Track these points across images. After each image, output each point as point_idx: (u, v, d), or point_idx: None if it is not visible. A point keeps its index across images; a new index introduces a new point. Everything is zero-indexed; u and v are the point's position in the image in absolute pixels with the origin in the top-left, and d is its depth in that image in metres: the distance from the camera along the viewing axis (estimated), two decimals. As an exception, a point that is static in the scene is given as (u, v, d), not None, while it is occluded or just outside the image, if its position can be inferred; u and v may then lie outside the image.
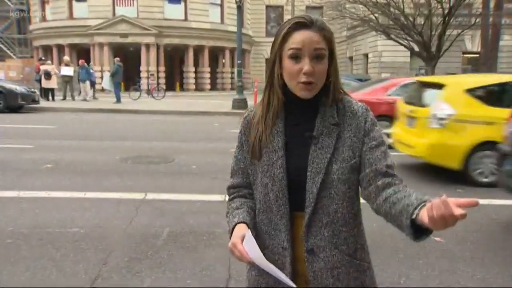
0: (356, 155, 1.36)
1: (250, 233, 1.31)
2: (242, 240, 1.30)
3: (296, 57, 1.31)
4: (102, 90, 23.51)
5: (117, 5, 30.38)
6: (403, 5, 18.63)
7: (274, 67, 1.40)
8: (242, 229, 1.35)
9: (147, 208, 4.94)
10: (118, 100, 19.30)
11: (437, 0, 17.86)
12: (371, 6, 19.70)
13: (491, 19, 20.41)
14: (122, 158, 7.59)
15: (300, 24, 1.33)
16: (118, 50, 31.12)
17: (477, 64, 21.81)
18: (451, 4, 17.76)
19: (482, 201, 5.22)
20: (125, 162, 7.32)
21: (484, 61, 21.26)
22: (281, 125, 1.40)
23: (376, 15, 20.28)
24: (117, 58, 21.50)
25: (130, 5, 30.40)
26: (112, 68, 20.17)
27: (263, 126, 1.41)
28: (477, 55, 22.31)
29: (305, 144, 1.36)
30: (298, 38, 1.31)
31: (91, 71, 21.33)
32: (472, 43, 29.33)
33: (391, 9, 18.77)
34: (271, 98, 1.41)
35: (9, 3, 35.93)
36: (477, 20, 20.09)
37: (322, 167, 1.33)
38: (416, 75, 30.69)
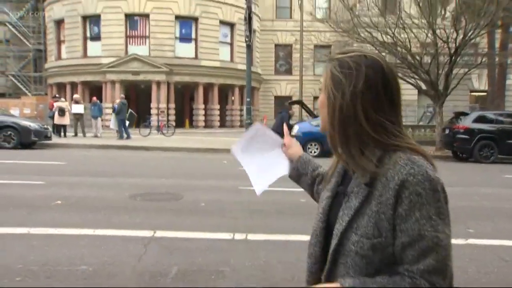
0: (383, 235, 1.10)
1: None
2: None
3: None
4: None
5: (129, 44, 31.13)
6: (410, 45, 18.88)
7: None
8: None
9: (156, 246, 4.93)
10: (121, 137, 19.52)
11: (443, 40, 18.10)
12: (378, 45, 19.99)
13: (497, 59, 20.61)
14: (131, 195, 7.62)
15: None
16: (130, 87, 31.68)
17: (484, 102, 21.91)
18: (457, 44, 17.97)
19: (493, 242, 5.17)
20: (135, 199, 7.34)
21: (492, 99, 21.36)
22: (341, 167, 1.31)
23: (383, 54, 20.56)
24: (122, 96, 21.91)
25: (142, 44, 31.13)
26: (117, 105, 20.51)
27: (334, 163, 1.35)
28: (484, 94, 22.46)
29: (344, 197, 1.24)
30: None
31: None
32: (479, 81, 29.53)
33: (398, 49, 19.03)
34: None
35: (28, 44, 36.99)
36: (484, 59, 20.28)
37: (338, 232, 1.17)
38: (424, 113, 30.87)
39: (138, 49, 30.59)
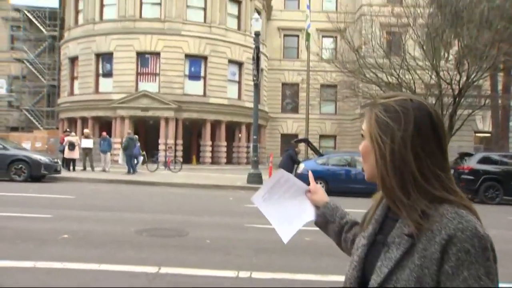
0: None
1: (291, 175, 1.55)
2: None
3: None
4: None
5: (140, 81, 31.63)
6: (414, 86, 19.10)
7: None
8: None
9: (161, 282, 4.89)
10: (129, 171, 19.65)
11: (447, 82, 18.30)
12: (384, 86, 20.24)
13: (500, 101, 20.74)
14: (137, 230, 7.61)
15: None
16: (139, 123, 32.00)
17: (489, 143, 21.90)
18: (461, 85, 18.15)
19: (502, 285, 5.06)
20: (140, 234, 7.32)
21: (496, 140, 21.35)
22: (380, 214, 1.23)
23: (388, 94, 20.72)
24: (129, 131, 22.19)
25: (153, 81, 31.62)
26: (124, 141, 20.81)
27: (372, 210, 1.27)
28: (489, 134, 22.48)
29: (383, 247, 1.15)
30: None
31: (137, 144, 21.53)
32: (483, 122, 29.58)
33: (403, 89, 19.22)
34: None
35: (43, 80, 37.80)
36: (487, 101, 20.42)
37: (375, 283, 1.09)
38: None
39: (148, 86, 31.07)
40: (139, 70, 31.66)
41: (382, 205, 1.23)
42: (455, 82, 18.30)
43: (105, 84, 31.92)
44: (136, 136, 22.04)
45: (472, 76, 18.25)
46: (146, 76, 31.88)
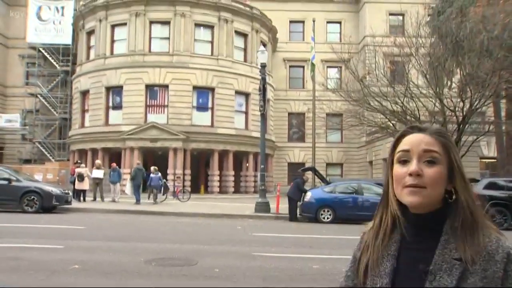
0: None
1: None
2: None
3: (404, 160, 1.15)
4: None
5: (149, 112, 31.98)
6: (419, 113, 19.14)
7: (388, 176, 1.22)
8: None
9: (170, 312, 4.88)
10: (137, 201, 19.67)
11: (451, 109, 18.36)
12: (388, 114, 20.30)
13: (504, 127, 20.70)
14: (146, 260, 7.59)
15: (415, 128, 1.21)
16: (148, 154, 32.18)
17: (495, 169, 21.76)
18: (464, 112, 18.19)
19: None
20: (150, 264, 7.31)
21: (502, 166, 21.21)
22: (394, 248, 1.17)
23: (393, 122, 20.81)
24: (138, 162, 22.35)
25: (161, 113, 31.96)
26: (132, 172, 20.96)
27: (372, 248, 1.20)
28: (494, 160, 22.35)
29: (419, 277, 1.10)
30: (408, 140, 1.17)
31: (158, 175, 21.53)
32: (488, 148, 29.42)
33: (408, 117, 19.28)
34: (384, 214, 1.22)
35: (55, 113, 38.40)
36: (491, 127, 20.39)
37: None
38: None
39: (157, 118, 31.39)
40: (148, 102, 32.03)
41: (392, 238, 1.18)
42: (459, 109, 18.35)
43: (115, 116, 32.30)
44: (155, 168, 22.08)
45: (475, 103, 18.30)
46: (155, 108, 32.24)
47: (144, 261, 7.52)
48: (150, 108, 32.17)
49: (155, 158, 32.79)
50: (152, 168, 22.00)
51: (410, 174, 1.10)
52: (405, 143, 1.17)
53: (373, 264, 1.17)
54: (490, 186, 15.45)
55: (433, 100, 18.94)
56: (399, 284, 1.13)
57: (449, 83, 19.87)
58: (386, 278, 1.14)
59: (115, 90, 32.60)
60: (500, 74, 17.50)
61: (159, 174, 21.59)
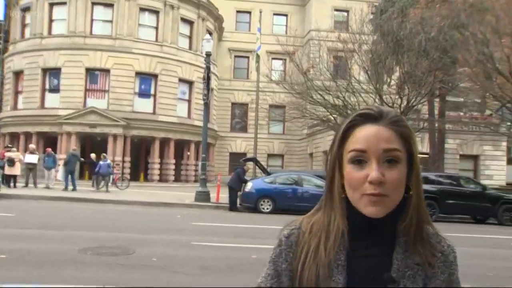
0: None
1: None
2: None
3: (359, 161, 0.96)
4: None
5: (88, 97, 30.83)
6: (359, 108, 19.70)
7: (333, 176, 1.03)
8: None
9: (104, 302, 4.71)
10: (66, 188, 18.95)
11: (389, 105, 19.04)
12: (330, 107, 20.76)
13: (436, 124, 21.74)
14: (81, 248, 7.31)
15: (366, 117, 0.99)
16: (86, 139, 31.08)
17: (427, 164, 22.84)
18: (402, 109, 18.93)
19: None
20: (85, 253, 7.04)
21: (433, 162, 22.31)
22: (343, 257, 0.98)
23: (335, 115, 21.31)
24: (74, 148, 21.62)
25: (102, 98, 30.91)
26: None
27: (320, 258, 0.99)
28: (427, 156, 23.47)
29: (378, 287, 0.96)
30: (361, 135, 0.96)
31: (107, 162, 20.74)
32: (422, 145, 30.82)
33: (348, 111, 19.80)
34: (331, 219, 1.01)
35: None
36: (425, 124, 21.35)
37: None
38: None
39: (97, 103, 30.33)
40: (87, 86, 30.90)
41: (339, 246, 0.99)
42: (397, 106, 19.07)
43: (52, 100, 30.85)
44: (104, 155, 21.27)
45: (412, 101, 19.11)
46: (95, 93, 31.13)
47: (79, 249, 7.23)
48: (90, 93, 31.03)
49: (94, 144, 31.73)
50: (101, 155, 21.42)
51: (371, 182, 0.93)
52: (359, 141, 0.96)
53: (323, 277, 0.97)
54: (422, 180, 16.15)
55: (373, 96, 19.57)
56: None
57: (388, 80, 20.60)
58: None
59: (53, 72, 31.12)
60: (435, 74, 18.36)
61: (108, 161, 20.95)
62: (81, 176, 30.00)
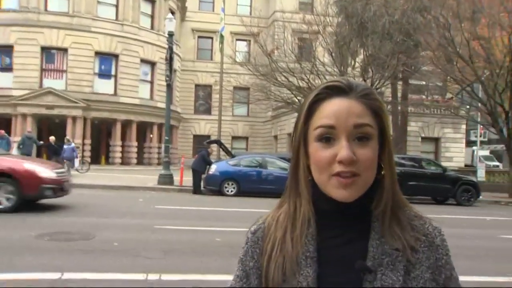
0: None
1: None
2: None
3: (327, 139, 0.86)
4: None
5: (44, 77, 29.73)
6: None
7: (298, 157, 0.93)
8: None
9: (62, 289, 4.58)
10: None
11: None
12: (294, 89, 20.82)
13: (399, 107, 22.17)
14: (38, 234, 7.08)
15: (334, 90, 0.89)
16: (43, 121, 30.09)
17: (389, 147, 23.32)
18: (366, 91, 19.20)
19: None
20: (41, 239, 6.83)
21: (396, 144, 22.82)
22: (312, 248, 0.89)
23: (299, 98, 21.40)
24: (29, 130, 20.90)
25: (59, 78, 29.88)
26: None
27: (286, 250, 0.90)
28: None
29: (353, 280, 0.86)
30: (329, 109, 0.87)
31: (72, 145, 19.97)
32: (385, 127, 31.47)
33: (312, 94, 19.94)
34: (297, 205, 0.92)
35: None
36: (388, 107, 21.74)
37: None
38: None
39: (54, 83, 29.27)
40: (43, 66, 29.76)
41: (307, 236, 0.90)
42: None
43: (4, 79, 29.46)
44: (68, 139, 20.59)
45: (376, 83, 19.38)
46: (52, 73, 30.07)
47: (35, 235, 7.01)
48: (47, 73, 29.94)
49: (51, 126, 30.77)
50: (65, 139, 20.78)
51: (341, 162, 0.83)
52: (326, 115, 0.86)
53: (290, 272, 0.88)
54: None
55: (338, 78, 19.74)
56: None
57: (353, 62, 20.81)
58: (313, 283, 0.87)
59: (4, 50, 29.72)
60: (399, 57, 18.65)
61: (72, 144, 20.32)
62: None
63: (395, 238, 0.87)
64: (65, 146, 19.83)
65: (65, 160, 19.49)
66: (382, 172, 0.90)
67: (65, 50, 29.70)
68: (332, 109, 0.86)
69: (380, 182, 0.89)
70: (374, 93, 0.91)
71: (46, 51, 29.68)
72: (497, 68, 17.76)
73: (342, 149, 0.83)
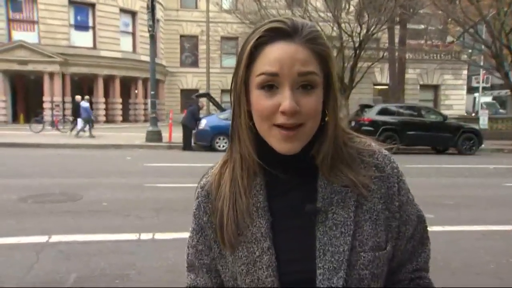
0: (389, 237, 0.92)
1: None
2: None
3: (270, 86, 0.85)
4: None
5: (14, 29, 28.75)
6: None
7: (239, 104, 0.91)
8: None
9: (51, 252, 4.57)
10: None
11: (348, 34, 18.95)
12: (285, 37, 20.45)
13: (397, 54, 21.95)
14: (20, 197, 7.04)
15: (277, 32, 0.85)
16: (16, 78, 29.48)
17: (386, 95, 23.31)
18: (361, 38, 18.90)
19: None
20: (25, 202, 6.79)
21: (393, 92, 22.75)
22: (262, 197, 0.92)
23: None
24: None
25: (31, 30, 28.99)
26: None
27: (238, 204, 0.92)
28: (387, 87, 23.87)
29: (306, 224, 0.89)
30: (273, 55, 0.84)
31: (86, 105, 19.59)
32: (382, 75, 31.32)
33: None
34: (242, 156, 0.92)
35: None
36: (385, 54, 21.51)
37: (342, 259, 0.86)
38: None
39: (25, 36, 28.38)
40: (10, 16, 28.65)
41: (255, 186, 0.92)
42: (356, 35, 19.00)
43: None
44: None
45: (372, 28, 19.05)
46: (22, 24, 29.07)
47: (18, 198, 6.97)
48: (15, 24, 28.92)
49: (27, 84, 30.27)
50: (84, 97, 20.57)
51: (283, 112, 0.82)
52: (269, 61, 0.84)
53: (243, 225, 0.90)
54: (383, 112, 16.53)
55: (331, 25, 19.36)
56: (284, 242, 0.90)
57: (347, 6, 20.35)
58: (265, 241, 0.89)
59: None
60: (396, -2, 18.24)
61: (83, 103, 19.89)
62: (15, 120, 28.84)
63: (343, 175, 0.89)
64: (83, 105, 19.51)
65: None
66: (326, 119, 0.90)
67: (34, -1, 28.62)
68: (276, 55, 0.84)
69: (324, 128, 0.90)
70: (320, 36, 0.88)
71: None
72: (505, 5, 17.38)
73: (285, 99, 0.82)
